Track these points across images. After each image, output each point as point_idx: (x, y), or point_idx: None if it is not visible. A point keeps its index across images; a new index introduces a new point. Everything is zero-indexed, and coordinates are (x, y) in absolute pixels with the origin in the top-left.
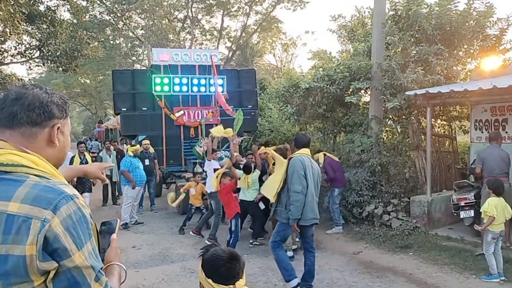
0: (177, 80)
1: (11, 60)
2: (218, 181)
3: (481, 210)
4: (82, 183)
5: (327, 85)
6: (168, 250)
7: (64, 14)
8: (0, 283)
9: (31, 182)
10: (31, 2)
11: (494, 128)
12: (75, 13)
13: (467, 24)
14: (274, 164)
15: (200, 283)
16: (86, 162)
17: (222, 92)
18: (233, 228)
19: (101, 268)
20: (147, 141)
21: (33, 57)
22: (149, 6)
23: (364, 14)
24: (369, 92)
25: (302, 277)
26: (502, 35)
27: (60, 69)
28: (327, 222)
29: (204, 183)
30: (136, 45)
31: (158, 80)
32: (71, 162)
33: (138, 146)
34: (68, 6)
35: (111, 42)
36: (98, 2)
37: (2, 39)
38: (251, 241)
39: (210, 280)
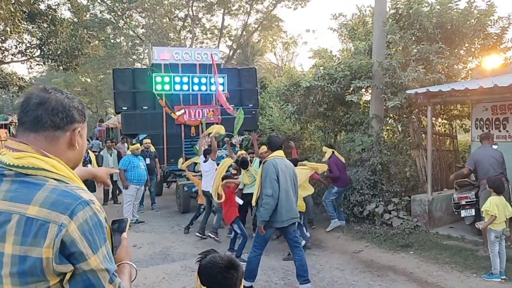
0: (177, 79)
1: (11, 59)
2: (222, 189)
3: (482, 209)
4: (85, 183)
5: (327, 83)
6: (169, 249)
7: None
8: (18, 281)
9: (50, 186)
10: (31, 1)
11: (495, 126)
12: (75, 11)
13: (468, 22)
14: None
15: None
16: (90, 160)
17: (223, 91)
18: (239, 232)
19: (115, 271)
20: (148, 140)
21: (33, 56)
22: (149, 5)
23: (365, 13)
24: (369, 91)
25: (297, 275)
26: (503, 34)
27: (61, 68)
28: (327, 222)
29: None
30: (137, 44)
31: (158, 79)
32: None
33: (138, 144)
34: (69, 5)
35: (112, 41)
36: (99, 0)
37: (3, 38)
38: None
39: None
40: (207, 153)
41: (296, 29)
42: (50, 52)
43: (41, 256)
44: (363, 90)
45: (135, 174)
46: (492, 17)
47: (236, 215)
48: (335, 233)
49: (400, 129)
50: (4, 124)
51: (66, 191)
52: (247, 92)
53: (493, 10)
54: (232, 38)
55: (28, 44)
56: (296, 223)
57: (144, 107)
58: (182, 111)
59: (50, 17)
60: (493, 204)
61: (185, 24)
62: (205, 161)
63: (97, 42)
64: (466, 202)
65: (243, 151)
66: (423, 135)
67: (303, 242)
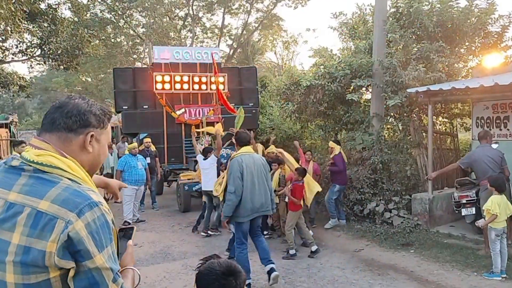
0: (178, 78)
1: (12, 58)
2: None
3: (483, 208)
4: None
5: (328, 82)
6: (170, 248)
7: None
8: (20, 270)
9: (64, 185)
10: (32, 1)
11: (495, 125)
12: (76, 11)
13: (468, 21)
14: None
15: None
16: None
17: (223, 90)
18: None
19: (118, 271)
20: (149, 139)
21: (34, 55)
22: (150, 4)
23: (365, 12)
24: (370, 90)
25: (261, 258)
26: (503, 32)
27: (61, 67)
28: (328, 221)
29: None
30: (137, 43)
31: (159, 78)
32: None
33: (135, 144)
34: (69, 4)
35: (112, 40)
36: (99, 0)
37: (4, 37)
38: (265, 232)
39: None
40: (208, 151)
41: (297, 28)
42: (51, 51)
43: (45, 249)
44: (364, 89)
45: (132, 175)
46: (493, 15)
47: None
48: (335, 232)
49: (400, 128)
50: (4, 124)
51: (77, 191)
52: (247, 91)
53: (493, 9)
54: (233, 37)
55: (28, 44)
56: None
57: (144, 106)
58: (183, 110)
59: (50, 16)
60: (495, 203)
61: (186, 23)
62: (205, 159)
63: (97, 41)
64: (466, 200)
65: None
66: (424, 134)
67: (314, 248)
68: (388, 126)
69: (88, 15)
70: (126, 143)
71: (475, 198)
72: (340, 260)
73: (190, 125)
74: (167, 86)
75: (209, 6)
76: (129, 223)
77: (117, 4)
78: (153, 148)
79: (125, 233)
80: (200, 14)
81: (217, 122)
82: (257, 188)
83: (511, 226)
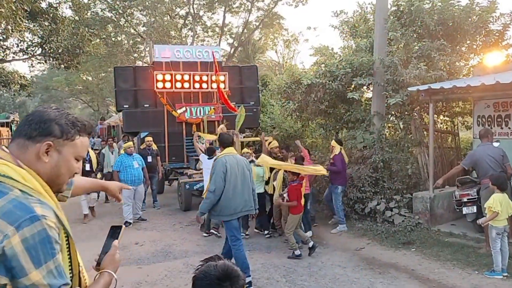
0: (179, 77)
1: (13, 57)
2: None
3: (485, 206)
4: None
5: (329, 81)
6: (171, 246)
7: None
8: None
9: (11, 196)
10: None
11: (497, 124)
12: (76, 10)
13: (469, 19)
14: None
15: None
16: (90, 159)
17: (224, 88)
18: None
19: (65, 284)
20: (150, 138)
21: (35, 54)
22: (150, 3)
23: (366, 10)
24: (371, 88)
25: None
26: (505, 31)
27: (62, 66)
28: (328, 219)
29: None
30: (138, 42)
31: (160, 77)
32: None
33: (130, 143)
34: (70, 3)
35: (113, 39)
36: None
37: (4, 36)
38: (265, 232)
39: None
40: (213, 151)
41: (297, 27)
42: (52, 50)
43: None
44: (365, 87)
45: (128, 175)
46: (494, 14)
47: None
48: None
49: (401, 127)
50: (6, 123)
51: (22, 203)
52: (248, 89)
53: (495, 7)
54: (233, 36)
55: (29, 43)
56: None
57: (145, 105)
58: (184, 109)
59: (51, 15)
60: (496, 201)
61: (186, 22)
62: (209, 158)
63: (98, 40)
64: (467, 199)
65: (245, 149)
66: (425, 133)
67: (311, 244)
68: (389, 125)
69: (88, 14)
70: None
71: (476, 196)
72: (341, 259)
73: (191, 124)
74: (168, 84)
75: (210, 5)
76: (130, 223)
77: (117, 2)
78: (154, 147)
79: (113, 232)
80: (201, 13)
81: (218, 122)
82: (240, 188)
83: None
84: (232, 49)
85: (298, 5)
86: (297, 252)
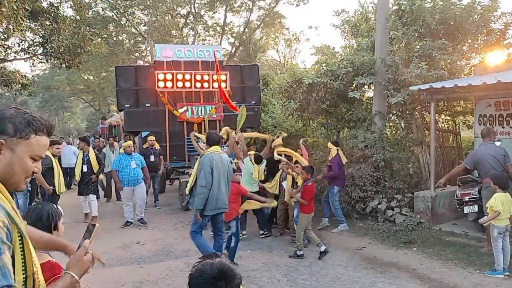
0: (180, 76)
1: (14, 57)
2: None
3: (486, 205)
4: (86, 185)
5: (330, 80)
6: (172, 245)
7: (67, 10)
8: None
9: None
10: None
11: (498, 123)
12: (78, 9)
13: (471, 18)
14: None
15: None
16: (89, 159)
17: (225, 88)
18: (233, 230)
19: (8, 286)
20: (153, 137)
21: (36, 53)
22: (152, 2)
23: (368, 9)
24: (372, 88)
25: None
26: (506, 30)
27: (63, 65)
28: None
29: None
30: (139, 41)
31: (161, 76)
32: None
33: (130, 142)
34: (71, 3)
35: (114, 38)
36: None
37: (6, 35)
38: (261, 232)
39: None
40: None
41: (299, 26)
42: (53, 50)
43: None
44: (366, 86)
45: (124, 174)
46: (496, 12)
47: (238, 214)
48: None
49: (403, 126)
50: None
51: None
52: (249, 89)
53: (496, 6)
54: (234, 35)
55: (30, 42)
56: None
57: (146, 105)
58: (185, 108)
59: (52, 14)
60: (498, 200)
61: (187, 21)
62: None
63: (99, 39)
64: (469, 198)
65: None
66: (426, 132)
67: (323, 248)
68: (391, 124)
69: (90, 13)
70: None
71: (478, 196)
72: (343, 258)
73: (192, 123)
74: (169, 84)
75: (211, 4)
76: (131, 223)
77: (119, 2)
78: (157, 146)
79: (86, 231)
80: (202, 12)
81: (219, 121)
82: (223, 186)
83: None
84: (233, 49)
85: (299, 4)
86: (300, 252)
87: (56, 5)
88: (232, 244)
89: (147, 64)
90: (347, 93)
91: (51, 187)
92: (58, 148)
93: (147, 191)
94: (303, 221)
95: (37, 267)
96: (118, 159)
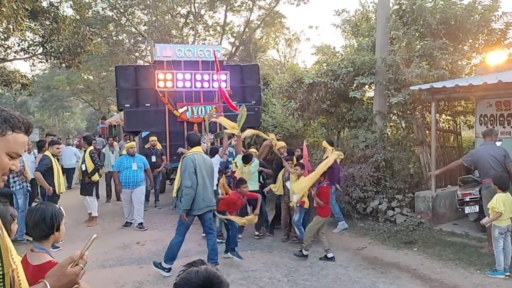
0: (180, 76)
1: (14, 56)
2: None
3: (488, 206)
4: (85, 187)
5: (331, 80)
6: None
7: (67, 10)
8: None
9: None
10: None
11: (499, 123)
12: (77, 9)
13: (472, 18)
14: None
15: None
16: (84, 160)
17: (225, 87)
18: (217, 225)
19: None
20: (155, 138)
21: (36, 53)
22: (151, 2)
23: (368, 9)
24: (373, 87)
25: (208, 257)
26: (507, 29)
27: (63, 65)
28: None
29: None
30: (139, 41)
31: (161, 76)
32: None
33: (133, 143)
34: (71, 2)
35: (114, 38)
36: None
37: (6, 35)
38: (256, 233)
39: None
40: (216, 151)
41: (299, 26)
42: (53, 49)
43: None
44: (367, 86)
45: (123, 177)
46: (496, 12)
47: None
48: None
49: (403, 126)
50: None
51: None
52: (249, 89)
53: (497, 6)
54: (235, 34)
55: (30, 42)
56: (213, 212)
57: (146, 104)
58: (185, 108)
59: (52, 14)
60: (499, 201)
61: (188, 21)
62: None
63: (99, 39)
64: (470, 198)
65: (253, 149)
66: (427, 132)
67: (330, 255)
68: (391, 124)
69: (90, 13)
70: (128, 142)
71: (478, 196)
72: (343, 258)
73: (193, 123)
74: (169, 84)
75: (211, 4)
76: (131, 223)
77: (119, 1)
78: (159, 146)
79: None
80: (202, 12)
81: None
82: (208, 185)
83: None
84: (234, 48)
85: (299, 4)
86: (306, 252)
87: (56, 4)
88: (232, 234)
89: (147, 64)
90: (348, 93)
91: (51, 187)
92: (58, 148)
93: (149, 192)
94: (317, 224)
95: (16, 265)
96: (119, 160)
